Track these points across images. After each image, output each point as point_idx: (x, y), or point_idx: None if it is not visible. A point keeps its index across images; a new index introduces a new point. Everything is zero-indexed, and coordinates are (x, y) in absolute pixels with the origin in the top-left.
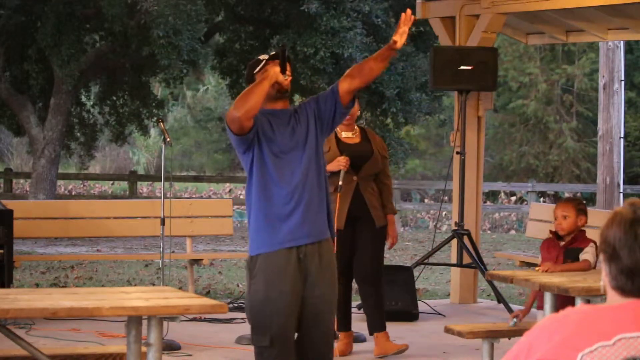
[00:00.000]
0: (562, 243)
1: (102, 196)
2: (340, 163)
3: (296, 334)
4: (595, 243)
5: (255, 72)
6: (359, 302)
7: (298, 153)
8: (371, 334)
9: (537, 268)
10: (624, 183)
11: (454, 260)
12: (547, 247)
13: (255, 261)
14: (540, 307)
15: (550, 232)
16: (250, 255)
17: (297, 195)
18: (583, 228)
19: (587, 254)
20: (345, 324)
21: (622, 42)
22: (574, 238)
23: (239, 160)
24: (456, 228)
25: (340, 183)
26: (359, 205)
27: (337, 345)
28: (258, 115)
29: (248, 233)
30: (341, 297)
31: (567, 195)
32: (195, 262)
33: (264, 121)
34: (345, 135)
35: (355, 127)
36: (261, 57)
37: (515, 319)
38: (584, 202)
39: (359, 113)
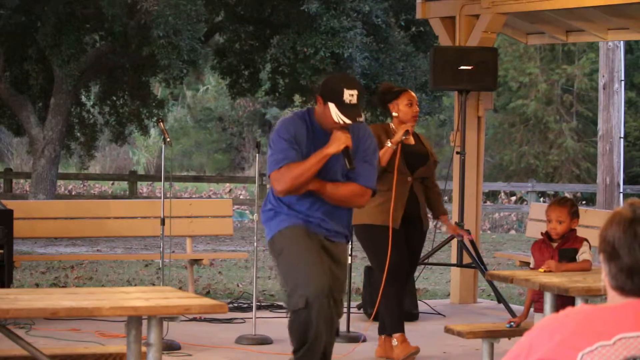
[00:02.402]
0: (555, 244)
1: (102, 196)
2: (407, 124)
3: None
4: (587, 241)
5: (330, 106)
6: (359, 302)
7: (332, 162)
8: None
9: (541, 269)
10: (624, 183)
11: (454, 260)
12: (539, 248)
13: (277, 239)
14: (538, 309)
15: (542, 233)
16: (271, 236)
17: (318, 203)
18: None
19: (585, 254)
20: (400, 324)
21: (622, 42)
22: (567, 238)
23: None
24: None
25: (403, 137)
26: (414, 206)
27: (395, 348)
28: (305, 140)
29: (262, 219)
30: (398, 295)
31: (566, 194)
32: (195, 262)
33: (309, 139)
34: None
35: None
36: (346, 94)
37: (512, 323)
38: (576, 202)
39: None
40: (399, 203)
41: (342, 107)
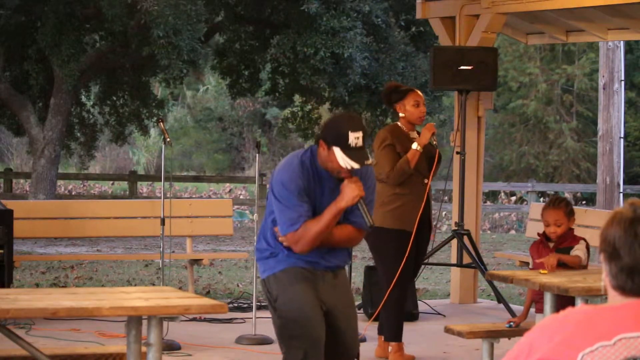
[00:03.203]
0: (552, 244)
1: (102, 196)
2: (429, 129)
3: None
4: (585, 240)
5: (335, 151)
6: (359, 302)
7: (333, 199)
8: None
9: (541, 271)
10: (624, 183)
11: (454, 260)
12: (537, 249)
13: (271, 282)
14: (539, 310)
15: (539, 234)
16: (267, 276)
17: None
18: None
19: (578, 250)
20: (399, 333)
21: (622, 42)
22: (564, 238)
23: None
24: (456, 228)
25: (434, 142)
26: (427, 211)
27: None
28: (313, 188)
29: (256, 255)
30: (403, 303)
31: (566, 194)
32: (195, 262)
33: (315, 183)
34: (412, 136)
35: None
36: (351, 137)
37: (511, 323)
38: (570, 201)
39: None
40: (417, 206)
41: (349, 151)
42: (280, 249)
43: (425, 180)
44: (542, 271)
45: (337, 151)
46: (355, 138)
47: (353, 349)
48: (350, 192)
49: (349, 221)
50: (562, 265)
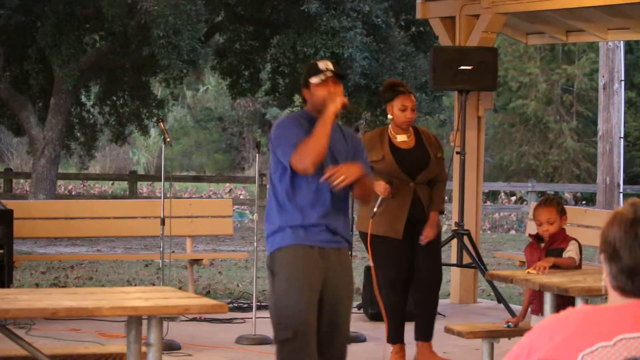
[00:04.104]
0: (543, 245)
1: (102, 196)
2: (379, 189)
3: None
4: (576, 241)
5: (312, 81)
6: (359, 302)
7: (333, 166)
8: (417, 339)
9: (528, 270)
10: (624, 183)
11: (454, 260)
12: (530, 251)
13: (275, 257)
14: (535, 311)
15: (531, 235)
16: (271, 252)
17: (320, 203)
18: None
19: (571, 252)
20: (396, 335)
21: (622, 42)
22: (555, 237)
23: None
24: (456, 228)
25: (375, 210)
26: (418, 210)
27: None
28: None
29: (265, 232)
30: (396, 307)
31: (566, 194)
32: (195, 262)
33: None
34: (400, 139)
35: (410, 128)
36: (320, 64)
37: (509, 324)
38: (561, 200)
39: (415, 115)
40: (400, 213)
41: (319, 71)
42: (288, 225)
43: (411, 184)
44: (529, 271)
45: (313, 79)
46: (323, 64)
47: (345, 334)
48: (332, 99)
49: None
50: (555, 267)
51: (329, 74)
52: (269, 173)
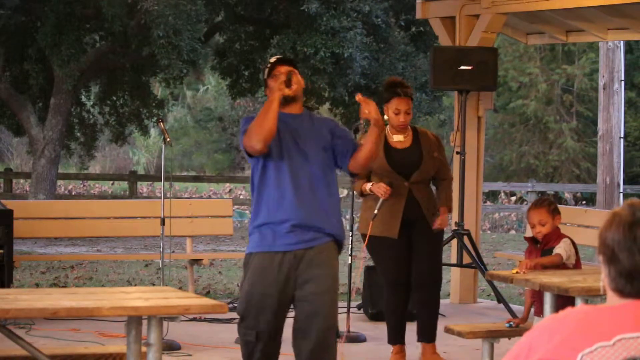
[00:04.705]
0: (539, 246)
1: (102, 196)
2: (380, 191)
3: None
4: (569, 238)
5: (265, 77)
6: (359, 302)
7: (302, 160)
8: (419, 340)
9: (513, 270)
10: (624, 183)
11: (454, 260)
12: (529, 254)
13: (248, 259)
14: (538, 312)
15: (526, 238)
16: (246, 253)
17: (296, 202)
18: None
19: (560, 249)
20: (396, 336)
21: (622, 42)
22: (549, 238)
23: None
24: (456, 228)
25: (375, 212)
26: (414, 210)
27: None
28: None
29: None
30: (396, 307)
31: (566, 194)
32: (195, 262)
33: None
34: (396, 139)
35: (408, 127)
36: (271, 60)
37: (511, 323)
38: (553, 200)
39: (409, 118)
40: (395, 212)
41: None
42: (258, 225)
43: (406, 183)
44: (513, 270)
45: (266, 77)
46: (275, 57)
47: (329, 322)
48: (275, 85)
49: (351, 152)
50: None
51: (272, 60)
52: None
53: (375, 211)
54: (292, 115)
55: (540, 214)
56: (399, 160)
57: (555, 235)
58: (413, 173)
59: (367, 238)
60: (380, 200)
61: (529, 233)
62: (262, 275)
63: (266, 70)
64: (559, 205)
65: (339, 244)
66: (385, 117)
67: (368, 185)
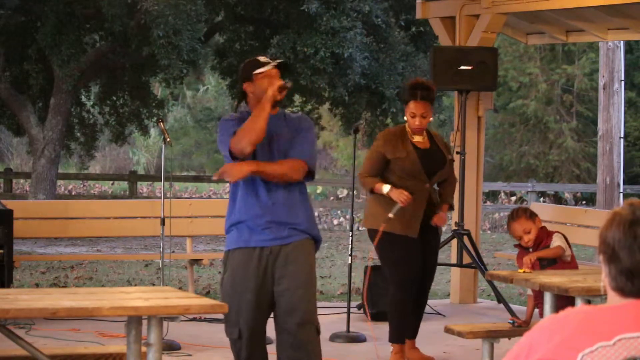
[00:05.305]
0: (531, 249)
1: (102, 196)
2: (401, 198)
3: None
4: (560, 233)
5: (255, 72)
6: (359, 302)
7: (275, 159)
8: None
9: (520, 270)
10: (624, 183)
11: (454, 260)
12: (520, 254)
13: (227, 256)
14: (541, 314)
15: (516, 246)
16: (224, 251)
17: (270, 199)
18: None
19: (557, 242)
20: (399, 335)
21: (622, 42)
22: (539, 239)
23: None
24: (456, 228)
25: (391, 215)
26: (431, 211)
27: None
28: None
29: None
30: (403, 306)
31: (566, 194)
32: (195, 262)
33: None
34: (416, 139)
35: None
36: (261, 59)
37: (514, 320)
38: (526, 207)
39: (431, 119)
40: (417, 212)
41: (262, 64)
42: (235, 223)
43: (427, 185)
44: (520, 270)
45: (257, 72)
46: (264, 58)
47: (307, 317)
48: (271, 84)
49: (289, 155)
50: (551, 264)
51: (274, 63)
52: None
53: (391, 215)
54: (270, 116)
55: (521, 224)
56: (427, 160)
57: (545, 234)
58: (435, 174)
59: (379, 233)
60: (397, 206)
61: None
62: (242, 270)
63: (258, 67)
64: (559, 205)
65: (315, 241)
66: (405, 117)
67: (385, 189)
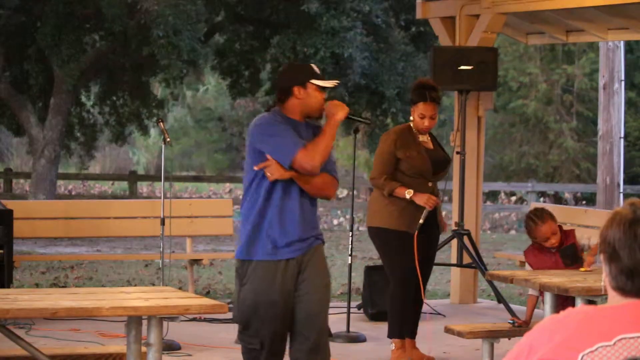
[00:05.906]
0: (554, 249)
1: (102, 196)
2: (423, 201)
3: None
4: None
5: (315, 82)
6: (359, 302)
7: None
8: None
9: (582, 269)
10: (624, 183)
11: (454, 260)
12: (535, 255)
13: (245, 266)
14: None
15: (533, 247)
16: (242, 259)
17: (295, 209)
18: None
19: (587, 237)
20: (400, 330)
21: (622, 42)
22: (563, 239)
23: (246, 165)
24: (456, 228)
25: (421, 221)
26: (432, 212)
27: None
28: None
29: (240, 236)
30: (405, 303)
31: (566, 194)
32: (195, 262)
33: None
34: (422, 139)
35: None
36: (315, 67)
37: (514, 320)
38: (545, 207)
39: (434, 123)
40: (421, 208)
41: (321, 76)
42: (257, 234)
43: (430, 184)
44: (582, 269)
45: (315, 82)
46: (316, 67)
47: (316, 330)
48: (339, 106)
49: (324, 170)
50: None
51: (331, 84)
52: (245, 175)
53: (421, 221)
54: (302, 125)
55: (550, 226)
56: (434, 159)
57: (565, 234)
58: (439, 173)
59: (414, 240)
60: (426, 211)
61: (527, 239)
62: (267, 283)
63: (315, 77)
64: (559, 205)
65: (323, 242)
66: (411, 117)
67: (408, 194)
